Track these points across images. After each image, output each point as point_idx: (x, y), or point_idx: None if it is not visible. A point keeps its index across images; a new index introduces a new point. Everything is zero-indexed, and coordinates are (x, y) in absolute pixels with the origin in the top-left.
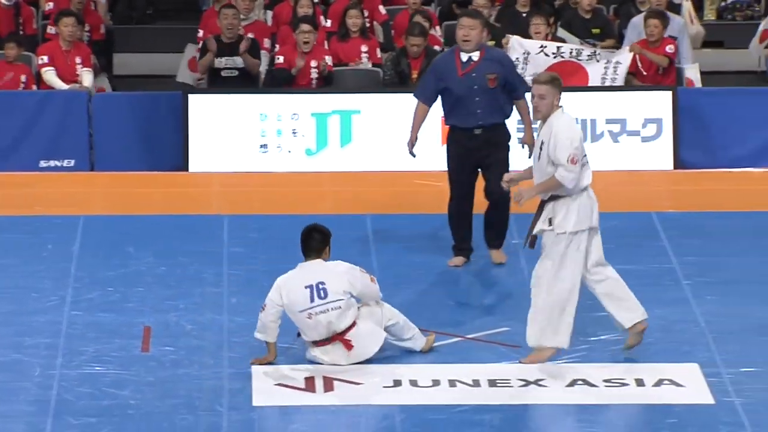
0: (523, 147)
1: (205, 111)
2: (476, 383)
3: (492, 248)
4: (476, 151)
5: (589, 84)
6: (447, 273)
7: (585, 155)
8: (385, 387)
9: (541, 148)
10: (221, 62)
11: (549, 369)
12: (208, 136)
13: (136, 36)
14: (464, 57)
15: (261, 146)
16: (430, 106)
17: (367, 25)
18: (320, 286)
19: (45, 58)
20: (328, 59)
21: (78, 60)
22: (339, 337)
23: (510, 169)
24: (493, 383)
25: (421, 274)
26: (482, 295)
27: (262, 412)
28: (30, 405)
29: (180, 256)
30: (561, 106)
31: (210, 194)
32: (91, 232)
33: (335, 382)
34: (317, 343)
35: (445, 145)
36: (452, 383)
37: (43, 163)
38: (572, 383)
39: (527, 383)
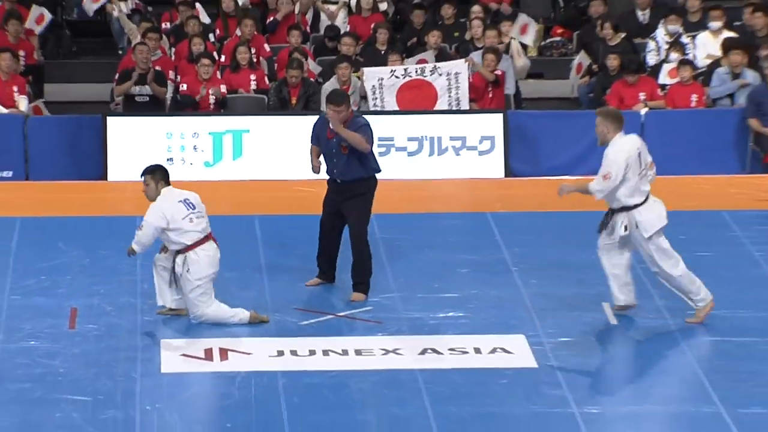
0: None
1: (121, 130)
2: (345, 352)
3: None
4: (338, 195)
5: (438, 98)
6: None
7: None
8: (270, 356)
9: None
10: (135, 90)
11: (404, 341)
12: (123, 151)
13: (63, 69)
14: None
15: (168, 159)
16: (317, 146)
17: (255, 59)
18: (187, 201)
19: None
20: (223, 87)
21: (15, 88)
22: (210, 236)
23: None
24: (359, 352)
25: (301, 264)
26: (347, 280)
27: (170, 378)
28: None
29: (101, 250)
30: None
31: (125, 199)
32: (26, 231)
33: (229, 353)
34: (191, 247)
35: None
36: (326, 353)
37: None
38: (423, 352)
39: (387, 352)
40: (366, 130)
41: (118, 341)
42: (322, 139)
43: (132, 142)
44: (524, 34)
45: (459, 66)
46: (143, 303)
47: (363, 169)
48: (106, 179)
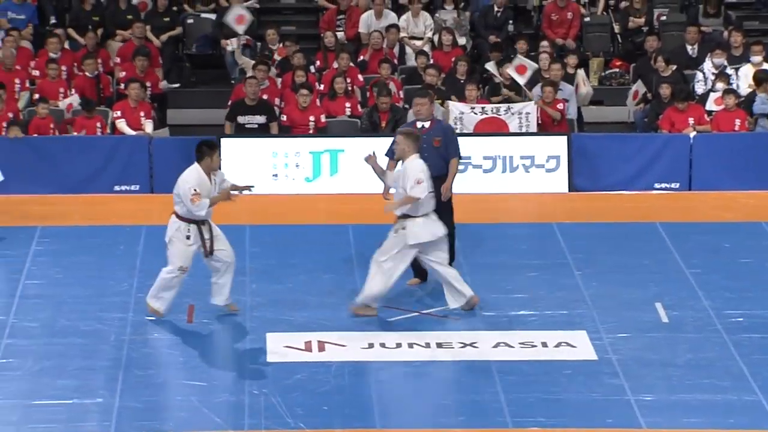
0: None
1: (234, 150)
2: (428, 345)
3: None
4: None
5: (510, 131)
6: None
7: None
8: (362, 348)
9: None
10: (245, 119)
11: (480, 335)
12: (235, 168)
13: (183, 96)
14: (419, 125)
15: (273, 175)
16: (394, 161)
17: (349, 88)
18: (213, 178)
19: (118, 113)
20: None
21: (142, 114)
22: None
23: None
24: (440, 345)
25: None
26: (431, 282)
27: (275, 366)
28: (107, 361)
29: None
30: (417, 154)
31: (236, 209)
32: (150, 237)
33: (326, 345)
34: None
35: None
36: (410, 345)
37: (116, 188)
38: (496, 345)
39: (464, 345)
40: (454, 138)
41: (229, 334)
42: None
43: (242, 160)
44: (521, 74)
45: (529, 107)
46: (252, 300)
47: (446, 167)
48: None
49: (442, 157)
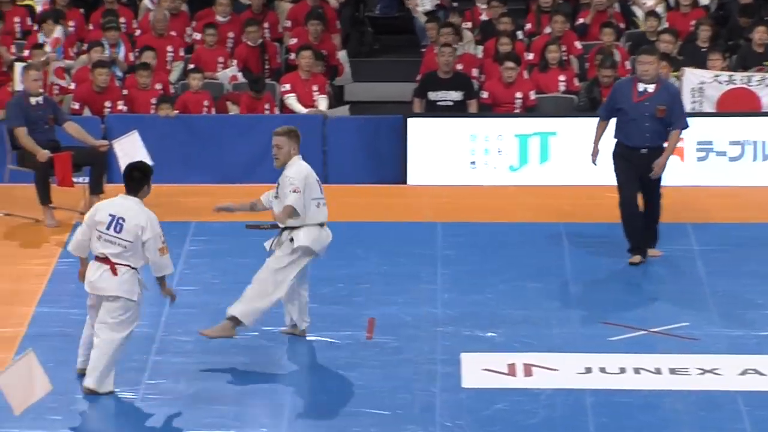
0: (652, 169)
1: (423, 132)
2: (658, 371)
3: (648, 248)
4: (639, 166)
5: (763, 108)
6: (628, 272)
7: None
8: (577, 373)
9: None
10: (437, 95)
11: (723, 360)
12: (424, 154)
13: (364, 68)
14: (641, 87)
15: (471, 163)
16: (607, 121)
17: (564, 58)
18: (120, 221)
19: (287, 86)
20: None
21: (315, 88)
22: (110, 263)
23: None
24: (673, 371)
25: (608, 274)
26: (662, 293)
27: (470, 393)
28: (274, 382)
29: (399, 257)
30: (299, 155)
31: (425, 204)
32: None
33: (533, 368)
34: (96, 258)
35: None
36: (637, 371)
37: None
38: (744, 372)
39: (704, 372)
40: (680, 105)
41: (416, 353)
42: (627, 104)
43: (433, 144)
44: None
45: None
46: (443, 313)
47: (666, 138)
48: (405, 183)
49: (664, 125)
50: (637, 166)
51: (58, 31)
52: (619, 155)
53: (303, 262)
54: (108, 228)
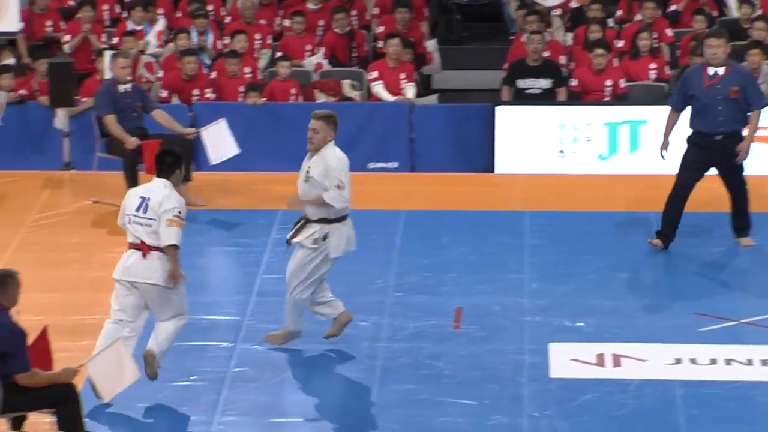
0: (737, 155)
1: (511, 121)
2: (749, 362)
3: (740, 237)
4: (713, 153)
5: None
6: (720, 262)
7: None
8: (667, 364)
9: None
10: (526, 83)
11: None
12: (512, 143)
13: (452, 55)
14: (711, 71)
15: (559, 151)
16: (679, 111)
17: (655, 45)
18: (147, 201)
19: (374, 74)
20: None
21: (402, 76)
22: (143, 245)
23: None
24: (765, 363)
25: (699, 264)
26: (754, 284)
27: (559, 384)
28: (358, 373)
29: (486, 246)
30: (333, 141)
31: (513, 193)
32: (411, 225)
33: (622, 359)
34: (129, 245)
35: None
36: (728, 362)
37: (371, 165)
38: None
39: None
40: (755, 84)
41: (504, 343)
42: (698, 90)
43: (522, 133)
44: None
45: None
46: (530, 303)
47: (742, 122)
48: (493, 172)
49: (739, 108)
50: (712, 155)
51: (160, 23)
52: (692, 143)
53: (332, 263)
54: (137, 210)
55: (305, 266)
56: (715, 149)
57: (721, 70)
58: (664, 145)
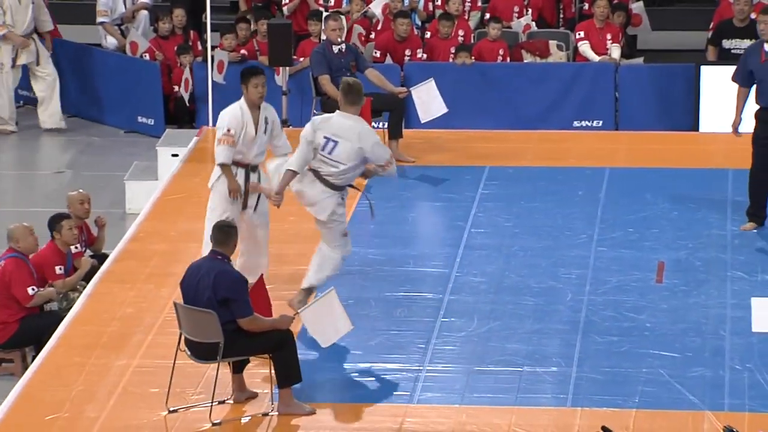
0: None
1: (716, 81)
2: None
3: None
4: None
5: None
6: None
7: None
8: None
9: None
10: (731, 44)
11: None
12: (717, 102)
13: (658, 16)
14: (767, 47)
15: None
16: (746, 88)
17: None
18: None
19: (581, 34)
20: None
21: (609, 36)
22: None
23: None
24: None
25: None
26: None
27: (761, 337)
28: (563, 324)
29: (689, 203)
30: None
31: (717, 151)
32: (614, 182)
33: None
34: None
35: None
36: None
37: (576, 123)
38: None
39: None
40: None
41: (706, 297)
42: (755, 66)
43: (726, 92)
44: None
45: None
46: (733, 258)
47: None
48: (697, 130)
49: None
50: None
51: None
52: (758, 119)
53: None
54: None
55: None
56: None
57: None
58: (736, 123)
